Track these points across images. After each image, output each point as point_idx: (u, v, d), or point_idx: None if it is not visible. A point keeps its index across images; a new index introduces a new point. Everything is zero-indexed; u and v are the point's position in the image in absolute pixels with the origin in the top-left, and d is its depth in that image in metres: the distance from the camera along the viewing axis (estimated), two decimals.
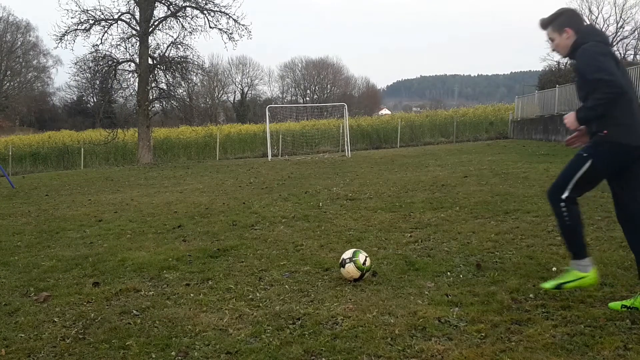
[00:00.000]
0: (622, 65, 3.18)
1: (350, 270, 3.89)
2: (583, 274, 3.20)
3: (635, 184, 3.18)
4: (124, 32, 23.87)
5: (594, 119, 3.09)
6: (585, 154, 3.18)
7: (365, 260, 3.93)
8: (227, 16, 24.14)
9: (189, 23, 24.39)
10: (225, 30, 24.34)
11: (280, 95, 63.03)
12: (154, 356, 2.84)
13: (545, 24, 3.33)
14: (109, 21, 23.61)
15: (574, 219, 3.20)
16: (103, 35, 23.62)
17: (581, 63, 3.10)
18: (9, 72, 51.57)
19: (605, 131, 3.08)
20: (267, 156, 23.43)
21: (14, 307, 3.71)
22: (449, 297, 3.48)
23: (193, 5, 24.18)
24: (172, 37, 24.84)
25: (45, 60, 53.46)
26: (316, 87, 63.16)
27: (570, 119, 3.14)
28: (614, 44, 41.82)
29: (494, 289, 3.59)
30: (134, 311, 3.50)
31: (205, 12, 24.17)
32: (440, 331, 2.96)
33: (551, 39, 3.32)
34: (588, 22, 3.29)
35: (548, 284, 3.32)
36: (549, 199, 3.31)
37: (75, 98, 53.62)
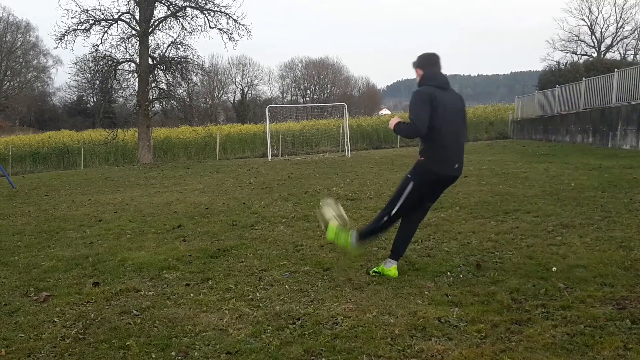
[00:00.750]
0: (446, 100, 3.86)
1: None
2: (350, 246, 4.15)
3: (429, 200, 4.12)
4: (124, 32, 23.86)
5: (401, 135, 4.03)
6: (409, 175, 3.99)
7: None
8: (227, 16, 24.12)
9: (189, 23, 24.38)
10: (225, 30, 24.32)
11: (280, 95, 63.05)
12: (154, 356, 2.84)
13: (413, 63, 4.13)
14: (109, 21, 23.60)
15: (382, 232, 4.21)
16: (103, 35, 23.61)
17: (410, 100, 3.90)
18: (9, 72, 51.58)
19: (422, 158, 3.93)
20: (267, 156, 23.44)
21: (14, 307, 3.71)
22: (449, 297, 3.48)
23: (193, 5, 24.17)
24: (172, 37, 24.84)
25: (45, 60, 53.53)
26: (316, 87, 63.16)
27: (392, 122, 4.00)
28: (614, 44, 41.98)
29: (494, 289, 3.59)
30: (134, 311, 3.50)
31: (205, 12, 24.16)
32: (440, 331, 2.96)
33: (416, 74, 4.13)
34: (438, 69, 4.06)
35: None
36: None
37: (75, 98, 53.65)
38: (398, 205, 3.98)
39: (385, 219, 4.03)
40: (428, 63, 4.04)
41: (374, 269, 4.11)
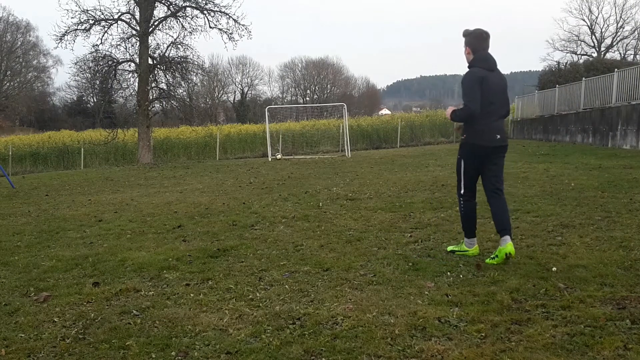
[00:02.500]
0: (492, 82, 4.21)
1: None
2: (468, 248, 4.52)
3: (491, 171, 4.34)
4: (124, 32, 23.88)
5: (457, 121, 4.37)
6: (458, 156, 4.41)
7: None
8: (227, 16, 24.15)
9: (189, 23, 24.40)
10: (225, 30, 24.34)
11: (280, 95, 63.09)
12: (154, 356, 2.84)
13: (463, 35, 4.40)
14: (109, 21, 23.61)
15: (467, 210, 4.48)
16: (103, 35, 23.64)
17: (463, 82, 4.26)
18: (9, 72, 51.58)
19: (464, 136, 4.32)
20: (267, 156, 23.44)
21: (14, 307, 3.71)
22: (449, 297, 3.48)
23: (193, 5, 24.18)
24: (172, 37, 24.87)
25: (45, 60, 53.55)
26: (316, 87, 63.17)
27: (448, 112, 4.39)
28: (614, 44, 41.98)
29: (494, 289, 3.58)
30: (134, 311, 3.50)
31: (205, 12, 24.17)
32: (440, 331, 2.95)
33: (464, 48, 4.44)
34: (487, 49, 4.35)
35: (450, 247, 4.69)
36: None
37: (75, 98, 53.68)
38: (462, 184, 4.43)
39: (460, 200, 4.51)
40: (478, 44, 4.31)
41: (490, 257, 4.28)
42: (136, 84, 24.32)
